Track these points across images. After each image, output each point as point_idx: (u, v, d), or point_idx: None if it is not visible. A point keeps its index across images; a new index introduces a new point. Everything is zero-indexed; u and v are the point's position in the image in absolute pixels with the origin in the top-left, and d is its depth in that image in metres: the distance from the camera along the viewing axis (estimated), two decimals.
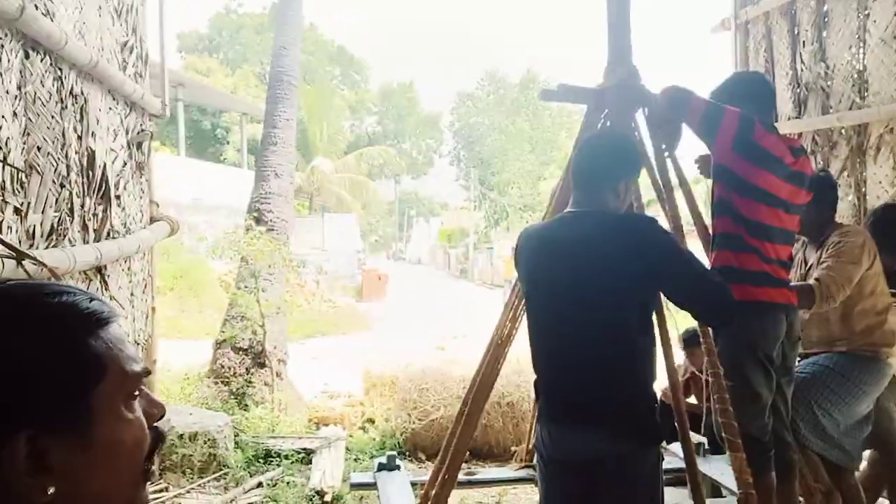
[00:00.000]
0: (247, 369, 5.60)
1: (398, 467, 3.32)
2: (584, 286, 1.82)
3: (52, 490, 0.57)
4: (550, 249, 1.93)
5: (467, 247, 33.54)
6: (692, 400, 4.10)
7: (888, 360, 2.74)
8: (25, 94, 2.24)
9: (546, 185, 31.02)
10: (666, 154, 2.55)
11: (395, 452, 3.60)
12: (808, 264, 2.87)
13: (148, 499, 0.67)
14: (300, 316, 11.64)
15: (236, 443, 4.58)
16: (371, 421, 5.51)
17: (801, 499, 2.54)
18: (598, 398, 1.81)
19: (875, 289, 2.74)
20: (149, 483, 0.67)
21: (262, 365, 5.69)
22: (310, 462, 4.54)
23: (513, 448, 4.26)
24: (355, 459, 4.73)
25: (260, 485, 4.12)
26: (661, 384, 4.22)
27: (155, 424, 0.66)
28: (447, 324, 9.02)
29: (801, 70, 4.27)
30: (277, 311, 5.98)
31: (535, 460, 2.18)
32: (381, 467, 3.29)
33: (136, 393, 0.64)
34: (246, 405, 5.40)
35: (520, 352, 2.93)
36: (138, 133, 3.37)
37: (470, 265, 32.62)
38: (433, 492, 2.64)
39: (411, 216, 58.84)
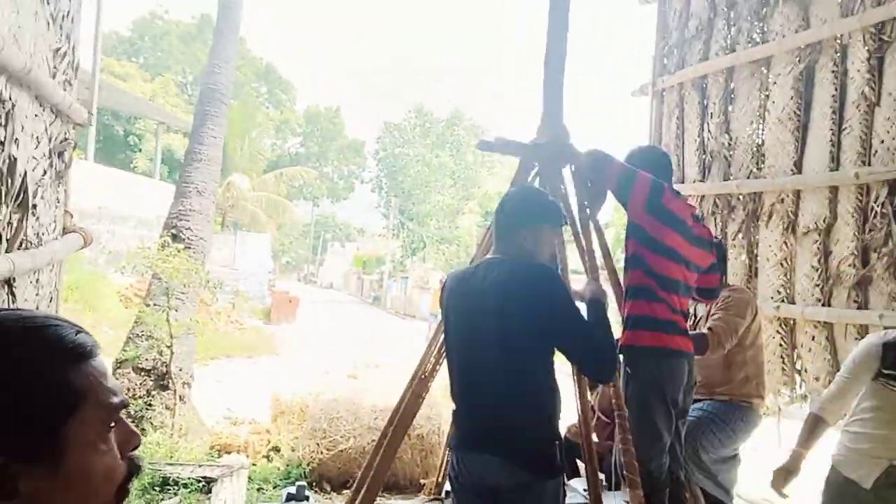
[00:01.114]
0: (148, 391, 5.35)
1: (307, 498, 3.29)
2: (491, 328, 1.99)
3: None
4: (466, 292, 2.11)
5: (382, 274, 33.45)
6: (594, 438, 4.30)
7: (759, 411, 3.11)
8: None
9: (464, 219, 31.59)
10: (588, 212, 2.76)
11: (304, 483, 3.56)
12: (698, 317, 3.20)
13: None
14: (204, 338, 11.21)
15: None
16: (277, 449, 5.39)
17: None
18: (500, 430, 1.98)
19: (753, 342, 3.10)
20: None
21: (165, 387, 5.45)
22: (209, 491, 4.37)
23: (421, 480, 4.30)
24: (258, 489, 4.61)
25: None
26: (567, 422, 4.41)
27: (131, 455, 0.68)
28: (359, 352, 8.95)
29: (708, 138, 4.67)
30: (188, 331, 5.76)
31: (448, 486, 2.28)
32: (289, 497, 3.25)
33: (112, 424, 0.67)
34: (143, 429, 5.15)
35: (433, 385, 2.99)
36: (61, 142, 3.24)
37: (384, 293, 32.51)
38: None
39: (326, 240, 58.07)
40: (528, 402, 1.99)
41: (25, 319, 0.66)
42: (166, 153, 23.62)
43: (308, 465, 4.82)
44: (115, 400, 0.67)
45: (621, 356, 2.49)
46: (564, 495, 2.08)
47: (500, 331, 1.98)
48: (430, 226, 33.37)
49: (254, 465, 5.03)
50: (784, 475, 2.55)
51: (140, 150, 25.91)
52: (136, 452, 0.70)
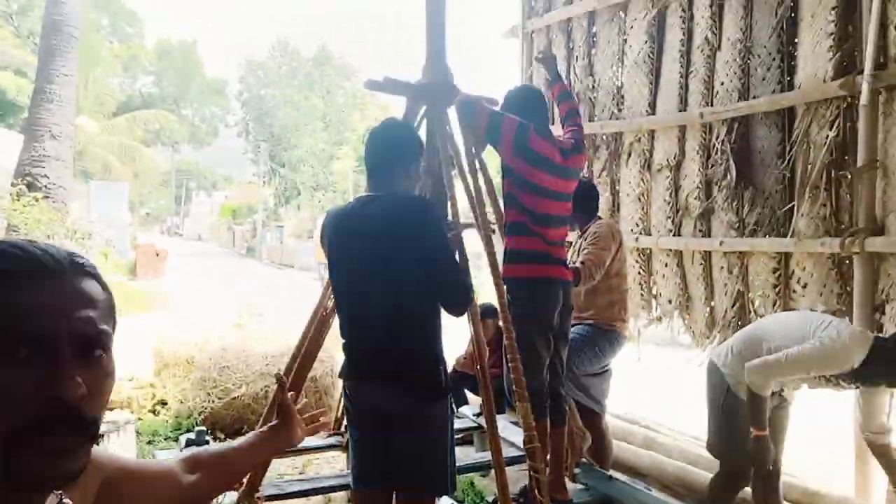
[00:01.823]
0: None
1: (207, 442, 3.32)
2: (373, 260, 2.10)
3: None
4: (348, 227, 2.20)
5: (254, 224, 32.28)
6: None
7: (623, 333, 3.52)
8: None
9: (339, 164, 30.96)
10: (473, 151, 2.91)
11: (203, 428, 3.57)
12: (576, 246, 3.54)
13: (34, 475, 0.66)
14: None
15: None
16: (163, 403, 5.26)
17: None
18: (386, 358, 2.11)
19: (619, 271, 3.48)
20: (35, 458, 0.65)
21: None
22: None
23: (320, 418, 4.42)
24: (148, 442, 4.52)
25: None
26: (456, 354, 4.69)
27: (52, 399, 0.65)
28: (239, 303, 8.74)
29: (574, 81, 4.96)
30: None
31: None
32: (189, 443, 3.26)
33: (13, 356, 0.64)
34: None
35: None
36: None
37: (258, 243, 31.48)
38: None
39: (190, 189, 54.70)
40: (412, 328, 2.11)
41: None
42: None
43: (199, 414, 4.77)
44: (11, 331, 0.65)
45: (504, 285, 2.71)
46: (453, 414, 2.28)
47: (381, 261, 2.08)
48: (304, 172, 32.46)
49: (139, 419, 4.90)
50: None
51: None
52: (69, 401, 0.66)
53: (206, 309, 10.76)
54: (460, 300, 2.19)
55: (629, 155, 4.61)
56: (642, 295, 4.56)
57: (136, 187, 32.43)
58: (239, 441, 1.21)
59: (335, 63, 36.80)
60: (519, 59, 5.45)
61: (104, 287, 0.76)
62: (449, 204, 2.72)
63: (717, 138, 3.98)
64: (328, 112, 34.84)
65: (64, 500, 0.77)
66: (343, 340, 2.25)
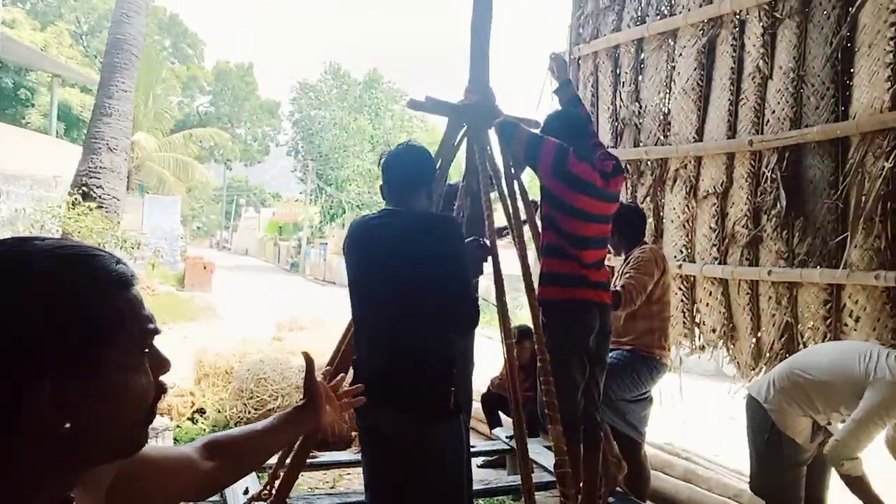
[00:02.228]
0: None
1: None
2: (388, 276, 2.06)
3: (68, 425, 0.67)
4: (370, 241, 2.17)
5: (300, 240, 32.87)
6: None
7: (663, 361, 3.42)
8: None
9: None
10: (513, 172, 2.92)
11: None
12: (618, 272, 3.49)
13: (147, 440, 0.77)
14: None
15: None
16: (202, 411, 5.36)
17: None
18: (389, 378, 2.03)
19: (660, 298, 3.40)
20: (146, 427, 0.76)
21: None
22: None
23: (353, 433, 4.44)
24: None
25: None
26: (490, 376, 4.65)
27: (160, 378, 0.76)
28: (280, 317, 8.90)
29: (620, 106, 4.94)
30: None
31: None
32: None
33: (147, 349, 0.74)
34: None
35: None
36: None
37: (301, 259, 32.01)
38: (281, 472, 2.74)
39: (240, 205, 56.15)
40: (424, 347, 2.04)
41: (72, 247, 0.72)
42: (62, 109, 22.00)
43: (235, 424, 4.84)
44: (151, 326, 0.75)
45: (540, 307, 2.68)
46: (468, 434, 2.19)
47: (395, 278, 2.04)
48: (350, 191, 32.96)
49: (178, 426, 5.00)
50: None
51: (33, 105, 23.98)
52: (164, 378, 0.78)
53: (249, 321, 10.97)
54: (464, 317, 2.08)
55: (674, 181, 4.54)
56: (685, 323, 4.45)
57: (188, 202, 33.51)
58: (261, 423, 1.16)
59: (384, 86, 37.47)
60: None
61: None
62: (486, 224, 2.72)
63: (766, 166, 3.88)
64: (376, 134, 35.42)
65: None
66: (354, 358, 2.21)
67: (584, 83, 5.27)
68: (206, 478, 1.04)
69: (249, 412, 4.82)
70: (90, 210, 5.37)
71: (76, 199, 5.45)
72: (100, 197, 5.82)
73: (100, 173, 5.92)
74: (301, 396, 1.24)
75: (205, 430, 5.00)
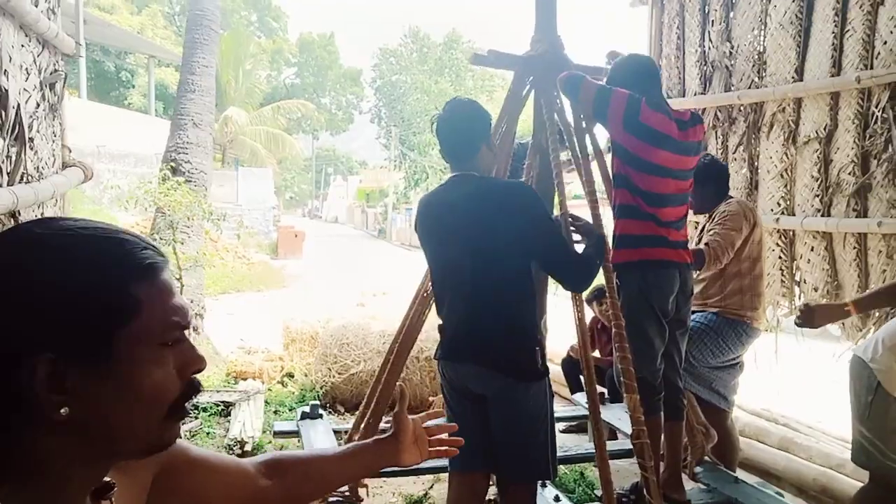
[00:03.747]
0: None
1: (321, 416, 3.44)
2: (466, 242, 2.07)
3: (65, 410, 0.63)
4: (438, 212, 2.19)
5: (386, 207, 33.42)
6: (595, 353, 4.44)
7: (753, 324, 3.14)
8: None
9: None
10: (584, 126, 2.73)
11: (317, 402, 3.71)
12: (701, 228, 3.23)
13: (174, 438, 0.73)
14: (214, 271, 11.36)
15: None
16: (290, 375, 5.57)
17: (684, 437, 2.87)
18: (479, 340, 2.06)
19: (751, 255, 3.12)
20: (179, 425, 0.73)
21: None
22: (228, 415, 4.57)
23: (430, 398, 4.46)
24: (275, 412, 4.80)
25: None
26: (571, 340, 4.53)
27: (192, 377, 0.72)
28: (366, 282, 9.10)
29: (709, 48, 4.55)
30: (195, 263, 5.85)
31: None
32: (304, 416, 3.40)
33: (170, 343, 0.69)
34: None
35: None
36: (51, 73, 3.20)
37: (388, 225, 32.58)
38: (357, 436, 2.78)
39: (328, 174, 57.69)
40: (506, 310, 2.06)
41: (98, 228, 0.69)
42: (160, 88, 23.19)
43: (321, 388, 5.00)
44: (174, 319, 0.70)
45: (613, 270, 2.52)
46: (552, 398, 2.16)
47: (475, 243, 2.05)
48: (433, 155, 33.03)
49: (269, 390, 5.21)
50: (818, 313, 2.37)
51: (133, 86, 25.45)
52: (197, 376, 0.73)
53: (336, 287, 11.30)
54: (579, 272, 2.14)
55: (771, 127, 4.17)
56: (783, 281, 4.12)
57: (280, 173, 34.72)
58: (335, 449, 1.10)
59: (463, 47, 36.95)
60: (647, 29, 5.10)
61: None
62: (556, 183, 2.57)
63: (877, 106, 3.47)
64: (458, 94, 35.17)
65: (106, 479, 0.77)
66: (440, 322, 2.24)
67: (668, 26, 4.90)
68: (257, 495, 0.99)
69: (333, 376, 4.94)
70: (179, 184, 5.60)
71: (165, 174, 5.70)
72: (188, 171, 6.07)
73: (187, 148, 6.16)
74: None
75: (293, 393, 5.18)
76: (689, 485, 2.77)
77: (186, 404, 0.72)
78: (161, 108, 22.64)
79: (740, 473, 3.05)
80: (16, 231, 0.69)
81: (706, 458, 3.02)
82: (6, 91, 2.64)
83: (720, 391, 3.16)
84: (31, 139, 2.95)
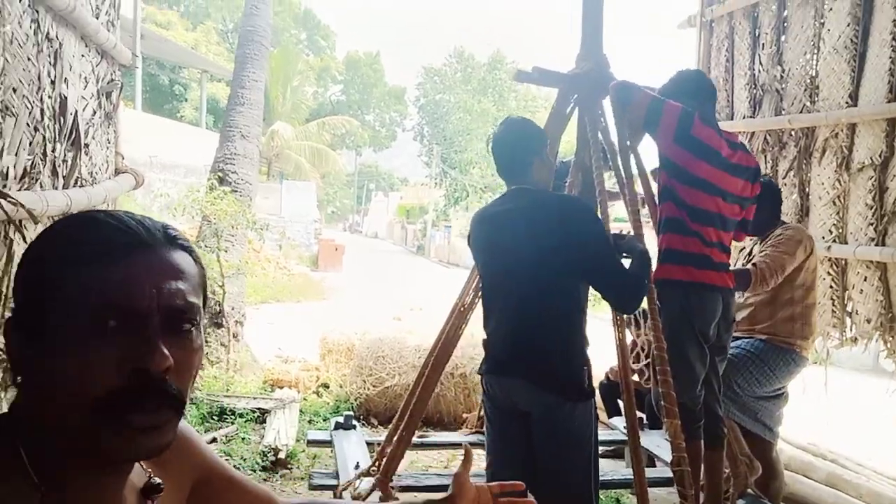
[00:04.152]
0: (204, 328, 5.59)
1: (354, 427, 3.44)
2: (518, 256, 2.05)
3: (18, 379, 0.68)
4: (492, 224, 2.19)
5: (425, 223, 33.58)
6: (634, 378, 4.34)
7: (802, 354, 3.03)
8: (3, 33, 2.22)
9: None
10: (629, 144, 2.70)
11: (351, 413, 3.71)
12: (752, 255, 3.13)
13: (122, 451, 0.65)
14: (255, 281, 11.57)
15: (191, 400, 4.60)
16: (326, 386, 5.60)
17: (726, 467, 2.77)
18: (526, 355, 2.03)
19: (804, 283, 3.01)
20: (124, 429, 0.63)
21: (220, 325, 5.70)
22: (264, 421, 4.61)
23: (464, 415, 4.42)
24: (309, 421, 4.82)
25: (214, 440, 4.18)
26: (609, 363, 4.45)
27: (135, 372, 0.63)
28: (403, 297, 9.15)
29: (759, 71, 4.47)
30: (238, 271, 5.97)
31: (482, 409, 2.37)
32: (337, 426, 3.41)
33: (101, 324, 0.63)
34: (201, 364, 5.41)
35: (474, 327, 3.03)
36: (108, 83, 3.34)
37: (427, 242, 32.71)
38: (389, 449, 2.76)
39: (370, 189, 58.38)
40: (555, 327, 2.03)
41: (97, 212, 0.70)
42: (211, 102, 23.89)
43: (356, 400, 5.01)
44: (112, 298, 0.63)
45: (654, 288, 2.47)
46: (597, 420, 2.13)
47: (526, 256, 2.04)
48: (474, 174, 33.14)
49: (305, 399, 5.25)
50: None
51: (186, 100, 26.30)
52: (154, 372, 0.64)
53: (373, 300, 11.36)
54: (629, 291, 2.09)
55: (823, 152, 4.05)
56: (834, 311, 3.98)
57: (323, 187, 35.27)
58: None
59: (507, 67, 37.12)
60: (696, 51, 5.04)
61: (197, 261, 0.75)
62: (598, 201, 2.54)
63: None
64: (499, 115, 35.23)
65: (153, 479, 0.77)
66: (485, 336, 2.23)
67: (717, 48, 4.83)
68: None
69: (368, 389, 4.95)
70: (225, 194, 5.74)
71: (213, 183, 5.85)
72: (234, 182, 6.22)
73: (234, 159, 6.33)
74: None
75: (328, 403, 5.21)
76: None
77: (133, 408, 0.62)
78: (211, 121, 23.30)
79: None
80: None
81: (749, 490, 2.91)
82: (65, 98, 2.75)
83: (765, 422, 3.05)
84: (86, 145, 3.07)
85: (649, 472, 3.15)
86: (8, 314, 0.72)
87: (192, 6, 35.51)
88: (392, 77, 47.62)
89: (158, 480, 0.77)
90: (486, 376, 2.20)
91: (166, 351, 0.64)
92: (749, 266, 2.85)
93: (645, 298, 2.35)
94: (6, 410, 0.71)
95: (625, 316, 2.57)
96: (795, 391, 3.23)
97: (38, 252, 0.68)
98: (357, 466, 2.88)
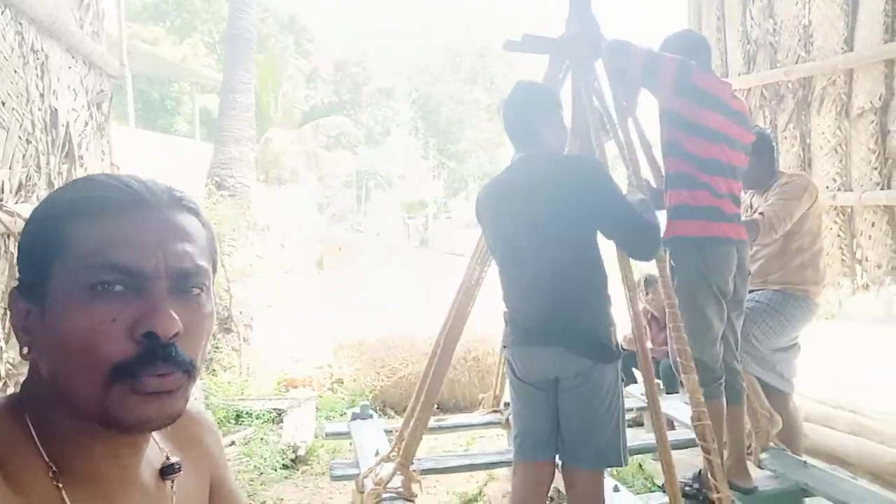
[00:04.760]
0: (213, 334, 5.59)
1: (371, 416, 3.43)
2: (536, 222, 2.02)
3: (25, 350, 0.64)
4: (505, 194, 2.14)
5: (426, 217, 33.52)
6: (647, 344, 4.31)
7: (815, 300, 3.01)
8: None
9: (504, 153, 31.10)
10: (625, 106, 2.66)
11: (367, 402, 3.70)
12: (754, 209, 3.09)
13: (133, 417, 0.62)
14: (262, 285, 11.56)
15: (206, 405, 4.61)
16: (340, 382, 5.59)
17: (747, 422, 2.75)
18: (556, 323, 2.00)
19: (812, 230, 2.99)
20: (134, 395, 0.61)
21: (229, 330, 5.70)
22: (281, 421, 4.61)
23: (480, 396, 4.40)
24: (326, 418, 4.82)
25: (233, 443, 4.18)
26: (623, 331, 4.43)
27: (146, 337, 0.61)
28: (409, 289, 9.13)
29: (751, 26, 4.42)
30: (243, 275, 5.97)
31: (507, 381, 2.35)
32: (354, 417, 3.39)
33: (101, 286, 0.61)
34: (214, 370, 5.42)
35: (484, 310, 2.99)
36: (98, 93, 3.31)
37: (430, 235, 32.68)
38: (407, 432, 2.75)
39: (369, 188, 58.30)
40: (580, 290, 2.01)
41: (98, 175, 0.69)
42: (203, 113, 23.87)
43: (370, 392, 5.01)
44: (112, 259, 0.61)
45: (666, 247, 2.44)
46: (623, 382, 2.11)
47: (548, 228, 2.00)
48: (471, 163, 33.05)
49: (320, 397, 5.25)
50: None
51: (178, 114, 26.27)
52: (162, 337, 0.61)
53: (380, 295, 11.34)
54: (646, 243, 2.07)
55: (821, 101, 4.01)
56: (843, 260, 3.94)
57: (321, 189, 35.22)
58: None
59: (497, 53, 36.94)
60: (686, 10, 4.98)
61: (205, 224, 0.73)
62: None
63: None
64: (492, 102, 35.10)
65: (170, 459, 0.75)
66: (506, 309, 2.19)
67: (707, 6, 4.77)
68: None
69: (382, 380, 4.95)
70: (223, 199, 5.73)
71: (210, 189, 5.84)
72: (231, 186, 6.22)
73: (230, 164, 6.33)
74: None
75: (343, 398, 5.20)
76: (755, 472, 2.64)
77: (143, 372, 0.61)
78: (206, 133, 23.29)
79: (807, 459, 2.90)
80: None
81: (772, 444, 2.88)
82: (56, 110, 2.73)
83: (783, 373, 3.02)
84: (80, 156, 3.05)
85: (670, 435, 3.13)
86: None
87: (177, 21, 35.37)
88: (381, 74, 47.44)
89: (176, 459, 0.75)
90: (510, 349, 2.17)
91: (175, 315, 0.62)
92: (756, 216, 2.82)
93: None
94: (16, 391, 0.69)
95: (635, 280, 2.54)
96: (811, 345, 3.20)
97: (38, 213, 0.67)
98: (377, 453, 2.87)
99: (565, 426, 2.04)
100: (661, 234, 2.13)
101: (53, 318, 0.61)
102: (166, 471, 0.73)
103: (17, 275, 0.66)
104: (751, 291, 2.90)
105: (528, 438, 2.13)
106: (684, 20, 4.87)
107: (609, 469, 3.42)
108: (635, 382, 4.36)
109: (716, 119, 2.39)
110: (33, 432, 0.64)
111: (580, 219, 1.99)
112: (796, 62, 4.11)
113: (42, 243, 0.63)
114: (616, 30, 2.90)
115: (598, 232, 2.08)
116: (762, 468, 2.75)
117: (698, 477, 2.57)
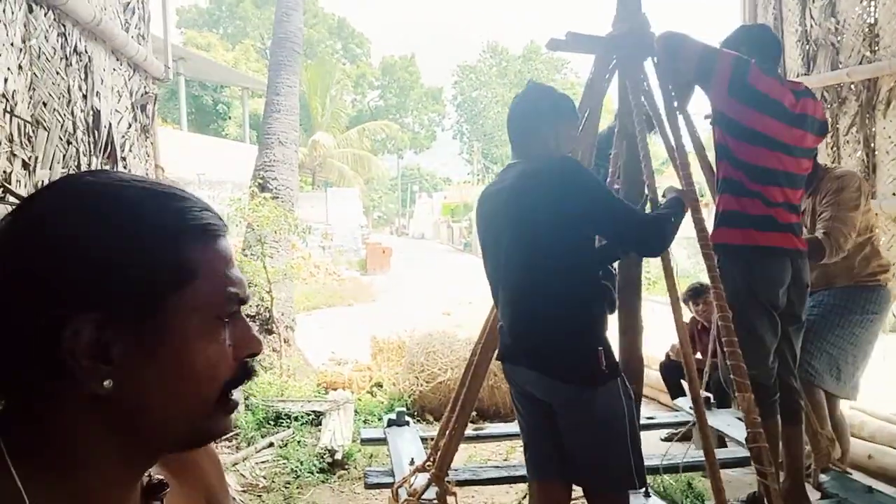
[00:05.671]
0: None
1: (407, 423, 3.37)
2: (514, 231, 1.90)
3: (108, 383, 0.55)
4: (490, 203, 2.04)
5: (470, 221, 33.49)
6: (697, 356, 4.13)
7: (887, 286, 2.86)
8: (30, 48, 2.22)
9: None
10: (676, 106, 2.53)
11: (403, 409, 3.64)
12: (802, 208, 2.91)
13: (221, 431, 0.64)
14: (305, 288, 11.69)
15: (246, 406, 4.63)
16: (379, 385, 5.56)
17: (807, 443, 2.58)
18: (533, 343, 1.88)
19: (868, 225, 2.84)
20: (231, 418, 0.64)
21: (270, 331, 5.74)
22: (319, 424, 4.59)
23: None
24: (364, 421, 4.78)
25: (271, 444, 4.18)
26: (668, 344, 4.26)
27: (245, 360, 0.63)
28: (451, 293, 9.09)
29: (811, 26, 4.21)
30: (284, 276, 6.01)
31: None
32: (391, 423, 3.34)
33: (226, 318, 0.61)
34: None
35: None
36: (142, 95, 3.36)
37: (473, 238, 32.61)
38: (442, 442, 2.67)
39: (414, 192, 58.69)
40: (558, 305, 1.84)
41: (155, 182, 0.62)
42: (253, 117, 24.40)
43: (409, 397, 4.95)
44: (232, 290, 0.61)
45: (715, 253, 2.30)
46: (630, 400, 1.90)
47: (520, 237, 1.88)
48: None
49: (359, 399, 5.22)
50: None
51: (229, 118, 26.94)
52: (253, 361, 0.65)
53: (423, 299, 11.33)
54: (649, 231, 1.90)
55: (888, 104, 3.78)
56: None
57: (367, 193, 35.60)
58: None
59: (543, 57, 36.73)
60: (740, 8, 4.79)
61: None
62: (643, 169, 2.39)
63: None
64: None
65: (155, 478, 0.69)
66: (499, 323, 2.10)
67: (764, 4, 4.57)
68: None
69: (421, 385, 4.89)
70: (266, 200, 5.78)
71: (254, 190, 5.90)
72: (275, 188, 6.27)
73: (273, 166, 6.39)
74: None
75: (382, 402, 5.16)
76: (813, 496, 2.47)
77: (235, 392, 0.63)
78: (255, 136, 23.81)
79: (872, 484, 2.70)
80: (66, 179, 0.62)
81: (832, 466, 2.70)
82: (98, 111, 2.77)
83: (856, 383, 2.86)
84: (123, 158, 3.09)
85: (720, 453, 2.97)
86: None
87: (230, 28, 36.39)
88: (428, 78, 47.70)
89: (160, 478, 0.70)
90: (503, 364, 2.09)
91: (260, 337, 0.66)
92: (819, 234, 2.63)
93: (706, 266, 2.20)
94: None
95: (679, 294, 2.38)
96: (879, 359, 3.00)
97: (135, 230, 0.57)
98: (412, 462, 2.80)
99: (568, 448, 1.91)
100: (668, 229, 1.95)
101: (170, 349, 0.58)
102: (154, 489, 0.68)
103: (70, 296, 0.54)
104: (816, 292, 2.74)
105: (536, 457, 2.04)
106: (739, 17, 4.68)
107: (655, 486, 3.30)
108: (683, 395, 4.19)
109: (772, 125, 2.23)
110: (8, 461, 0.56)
111: (561, 225, 1.82)
112: (860, 63, 3.88)
113: (157, 270, 0.57)
114: (666, 28, 2.77)
115: (596, 236, 1.96)
116: (821, 492, 2.57)
117: (752, 499, 2.42)
